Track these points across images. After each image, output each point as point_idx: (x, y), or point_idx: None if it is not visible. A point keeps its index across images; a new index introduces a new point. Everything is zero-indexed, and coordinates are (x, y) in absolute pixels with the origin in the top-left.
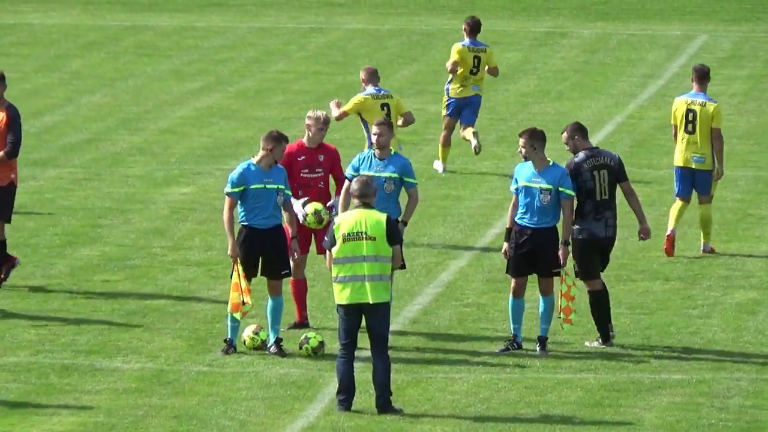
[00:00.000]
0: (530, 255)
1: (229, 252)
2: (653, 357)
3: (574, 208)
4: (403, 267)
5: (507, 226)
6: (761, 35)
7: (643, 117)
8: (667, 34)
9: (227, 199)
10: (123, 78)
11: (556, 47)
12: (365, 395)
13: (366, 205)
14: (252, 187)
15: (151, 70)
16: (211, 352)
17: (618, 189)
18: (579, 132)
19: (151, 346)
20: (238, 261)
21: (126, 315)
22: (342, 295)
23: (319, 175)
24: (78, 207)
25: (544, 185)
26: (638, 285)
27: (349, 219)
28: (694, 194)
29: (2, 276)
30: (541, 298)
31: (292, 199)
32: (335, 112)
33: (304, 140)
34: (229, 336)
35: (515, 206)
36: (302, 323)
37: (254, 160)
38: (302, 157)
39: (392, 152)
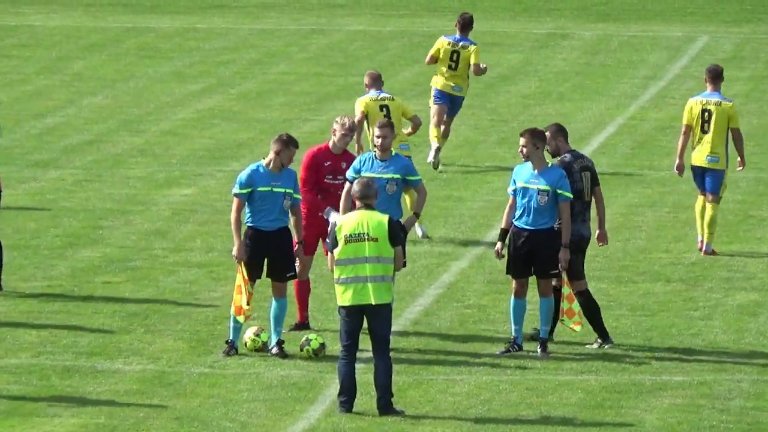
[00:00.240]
0: (528, 256)
1: (234, 253)
2: (654, 358)
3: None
4: (404, 265)
5: (502, 227)
6: (762, 36)
7: (644, 118)
8: (668, 36)
9: (235, 200)
10: (124, 79)
11: (557, 49)
12: (366, 397)
13: (367, 206)
14: (259, 189)
15: (152, 72)
16: (212, 354)
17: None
18: (561, 133)
19: (152, 347)
20: (243, 263)
21: (127, 317)
22: (344, 297)
23: (340, 182)
24: (79, 208)
25: (542, 186)
26: (639, 286)
27: (350, 220)
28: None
29: None
30: (540, 299)
31: (332, 213)
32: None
33: (330, 145)
34: (230, 337)
35: (512, 207)
36: (303, 324)
37: (264, 162)
38: (328, 163)
39: (393, 153)
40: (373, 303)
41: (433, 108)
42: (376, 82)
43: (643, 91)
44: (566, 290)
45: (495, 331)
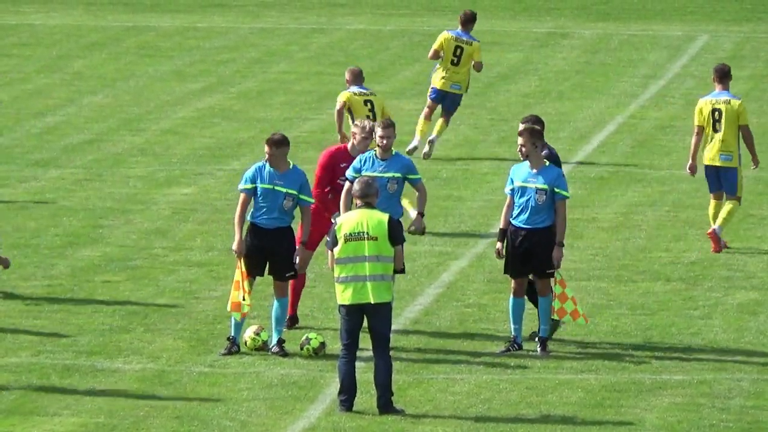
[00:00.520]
0: (526, 255)
1: (233, 247)
2: (654, 358)
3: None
4: (402, 271)
5: (501, 227)
6: (762, 36)
7: (644, 117)
8: (668, 35)
9: (240, 196)
10: (124, 78)
11: (557, 48)
12: (366, 396)
13: (368, 205)
14: (261, 186)
15: (152, 71)
16: (212, 353)
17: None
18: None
19: (152, 346)
20: (242, 258)
21: (127, 315)
22: (344, 296)
23: None
24: (79, 207)
25: (540, 185)
26: (639, 286)
27: (350, 219)
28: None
29: None
30: (539, 298)
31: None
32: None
33: (349, 147)
34: (232, 334)
35: (510, 207)
36: (291, 317)
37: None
38: (344, 164)
39: (393, 152)
40: (372, 302)
41: (428, 102)
42: (358, 78)
43: (643, 90)
44: (558, 289)
45: (495, 330)
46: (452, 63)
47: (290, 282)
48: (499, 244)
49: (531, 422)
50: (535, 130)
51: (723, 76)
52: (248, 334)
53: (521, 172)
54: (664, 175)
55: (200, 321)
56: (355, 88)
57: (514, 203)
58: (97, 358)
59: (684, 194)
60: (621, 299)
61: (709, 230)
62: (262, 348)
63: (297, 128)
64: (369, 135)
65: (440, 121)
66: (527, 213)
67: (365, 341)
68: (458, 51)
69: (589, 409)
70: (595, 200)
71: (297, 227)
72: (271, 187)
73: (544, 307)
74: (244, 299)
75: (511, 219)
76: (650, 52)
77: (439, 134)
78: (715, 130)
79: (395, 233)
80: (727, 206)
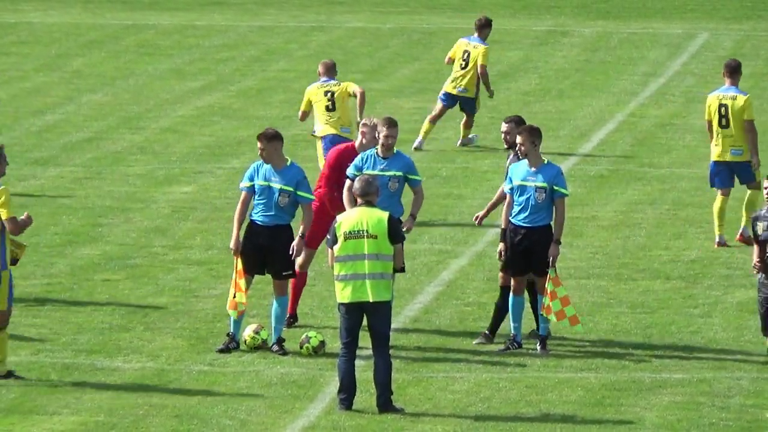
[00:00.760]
0: (526, 253)
1: (230, 245)
2: (654, 356)
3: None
4: (402, 270)
5: (502, 227)
6: (762, 33)
7: (644, 115)
8: (668, 33)
9: (241, 194)
10: (124, 77)
11: (557, 46)
12: (366, 394)
13: (368, 203)
14: (258, 183)
15: (152, 69)
16: (212, 352)
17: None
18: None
19: (151, 345)
20: (239, 256)
21: (126, 314)
22: (343, 294)
23: None
24: (79, 206)
25: (540, 183)
26: (639, 284)
27: (350, 217)
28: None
29: None
30: (539, 297)
31: None
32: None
33: (356, 145)
34: (231, 330)
35: (509, 206)
36: (291, 316)
37: None
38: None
39: (395, 151)
40: (371, 300)
41: (437, 105)
42: (330, 71)
43: (643, 88)
44: (550, 286)
45: None
46: (461, 67)
47: (291, 280)
48: (501, 245)
49: (531, 421)
50: (534, 129)
51: (732, 71)
52: (247, 332)
53: (520, 171)
54: (664, 173)
55: (200, 319)
56: (320, 81)
57: (513, 202)
58: (97, 357)
59: (684, 192)
60: (621, 297)
61: (737, 236)
62: (262, 346)
63: (296, 126)
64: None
65: (463, 121)
66: (527, 212)
67: (365, 340)
68: (465, 55)
69: (589, 407)
70: (595, 198)
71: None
72: (267, 183)
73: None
74: (235, 296)
75: (510, 217)
76: (650, 50)
77: (465, 137)
78: (722, 126)
79: (395, 232)
80: (748, 198)
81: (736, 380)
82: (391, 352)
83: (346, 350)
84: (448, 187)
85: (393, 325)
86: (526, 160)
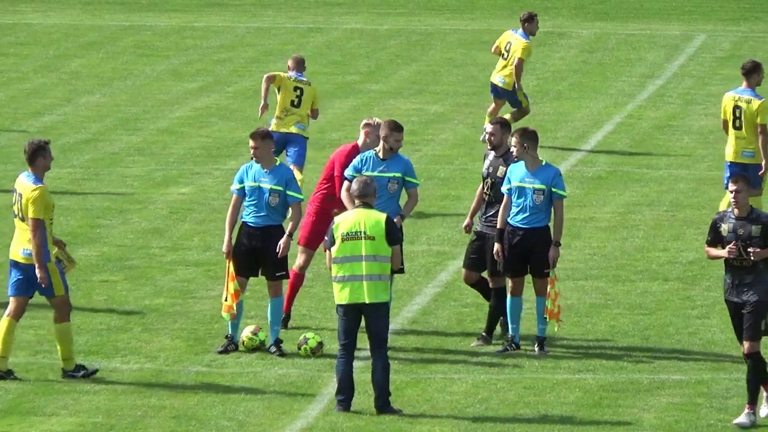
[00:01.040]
0: (523, 255)
1: (222, 248)
2: (652, 357)
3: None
4: (401, 271)
5: (499, 227)
6: (760, 35)
7: (642, 117)
8: (666, 34)
9: (232, 197)
10: (122, 78)
11: (554, 47)
12: (364, 396)
13: (365, 204)
14: (248, 184)
15: (149, 70)
16: (210, 353)
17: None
18: (508, 129)
19: (149, 346)
20: (231, 259)
21: (125, 315)
22: (341, 295)
23: None
24: (76, 207)
25: (537, 185)
26: (637, 285)
27: (348, 219)
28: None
29: None
30: (536, 298)
31: None
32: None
33: (359, 144)
34: (230, 332)
35: (507, 207)
36: (285, 314)
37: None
38: None
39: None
40: (368, 302)
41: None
42: (299, 66)
43: (641, 89)
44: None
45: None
46: (503, 58)
47: (289, 279)
48: (497, 246)
49: (528, 422)
50: (526, 132)
51: (748, 72)
52: (245, 333)
53: (518, 173)
54: (661, 174)
55: (198, 321)
56: (292, 74)
57: (511, 203)
58: (95, 358)
59: (682, 194)
60: (619, 299)
61: None
62: (260, 348)
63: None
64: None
65: (511, 113)
66: (525, 213)
67: (363, 341)
68: (508, 46)
69: (587, 408)
70: (593, 200)
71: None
72: (256, 184)
73: (543, 307)
74: (226, 300)
75: (508, 219)
76: (648, 51)
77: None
78: (735, 128)
79: (392, 233)
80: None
81: (734, 381)
82: (389, 353)
83: (344, 351)
84: (446, 189)
85: (391, 327)
86: (524, 162)
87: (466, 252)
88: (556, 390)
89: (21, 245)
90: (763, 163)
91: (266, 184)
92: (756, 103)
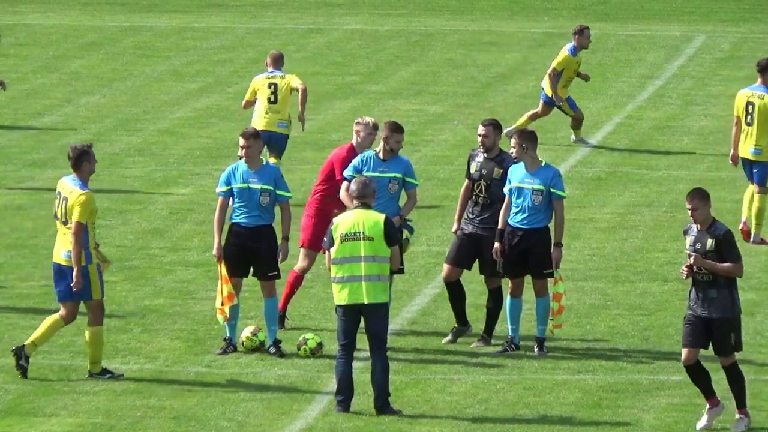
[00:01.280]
0: (523, 255)
1: (213, 252)
2: (652, 358)
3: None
4: (401, 272)
5: (499, 227)
6: (760, 36)
7: (642, 117)
8: (666, 35)
9: (218, 199)
10: (122, 78)
11: (555, 48)
12: (364, 396)
13: (364, 205)
14: (236, 186)
15: (149, 71)
16: (209, 353)
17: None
18: (500, 130)
19: (149, 347)
20: (223, 262)
21: (124, 316)
22: (340, 296)
23: None
24: None
25: (537, 186)
26: (637, 286)
27: (347, 219)
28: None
29: None
30: (536, 299)
31: None
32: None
33: (354, 144)
34: (227, 334)
35: (507, 207)
36: (281, 312)
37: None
38: None
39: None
40: (366, 302)
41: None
42: (277, 62)
43: (641, 90)
44: (556, 289)
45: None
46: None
47: (288, 279)
48: (497, 245)
49: (528, 423)
50: (525, 132)
51: (763, 69)
52: (245, 334)
53: (518, 173)
54: (661, 175)
55: (197, 321)
56: (267, 72)
57: (511, 203)
58: None
59: (681, 194)
60: (618, 300)
61: (743, 228)
62: (259, 348)
63: (294, 128)
64: (372, 131)
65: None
66: (524, 214)
67: (362, 342)
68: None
69: (587, 409)
70: (593, 200)
71: (298, 231)
72: (245, 185)
73: (542, 307)
74: (222, 303)
75: (508, 219)
76: (648, 52)
77: (576, 136)
78: (747, 124)
79: (391, 234)
80: (756, 204)
81: None
82: (388, 353)
83: (343, 352)
84: (446, 189)
85: (390, 327)
86: (523, 162)
87: (451, 248)
88: (556, 391)
89: (63, 247)
90: None
91: (256, 185)
92: None
